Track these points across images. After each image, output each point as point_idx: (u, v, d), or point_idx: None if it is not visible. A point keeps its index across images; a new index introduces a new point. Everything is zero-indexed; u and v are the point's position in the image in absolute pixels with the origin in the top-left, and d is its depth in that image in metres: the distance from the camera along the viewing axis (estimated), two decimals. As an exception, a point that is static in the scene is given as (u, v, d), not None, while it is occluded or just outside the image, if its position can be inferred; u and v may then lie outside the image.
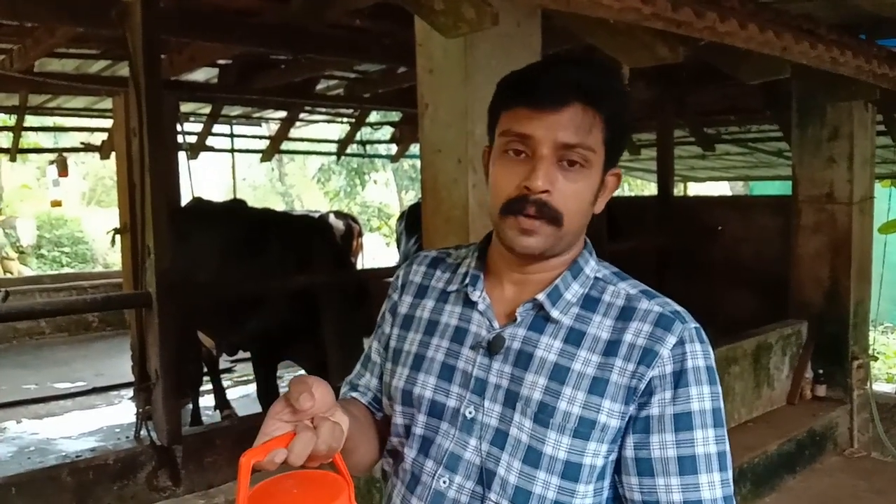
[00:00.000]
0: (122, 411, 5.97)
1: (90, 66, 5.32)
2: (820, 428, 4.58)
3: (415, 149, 9.54)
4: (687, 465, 0.94)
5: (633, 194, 14.26)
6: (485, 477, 0.99)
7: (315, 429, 0.80)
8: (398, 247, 8.52)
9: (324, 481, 0.78)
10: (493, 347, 1.02)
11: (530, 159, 0.97)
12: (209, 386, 5.60)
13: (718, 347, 4.06)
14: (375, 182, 18.21)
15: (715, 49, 2.96)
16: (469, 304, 1.08)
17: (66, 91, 5.79)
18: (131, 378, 5.70)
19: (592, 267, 1.06)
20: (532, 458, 0.97)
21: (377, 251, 14.73)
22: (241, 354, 5.75)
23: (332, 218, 8.53)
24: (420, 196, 2.92)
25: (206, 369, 5.48)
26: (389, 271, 5.22)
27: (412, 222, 7.45)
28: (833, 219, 4.90)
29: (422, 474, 1.04)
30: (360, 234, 9.05)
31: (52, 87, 5.49)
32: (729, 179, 12.18)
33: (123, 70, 5.20)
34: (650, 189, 10.90)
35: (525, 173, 0.97)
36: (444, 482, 1.02)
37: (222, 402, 5.45)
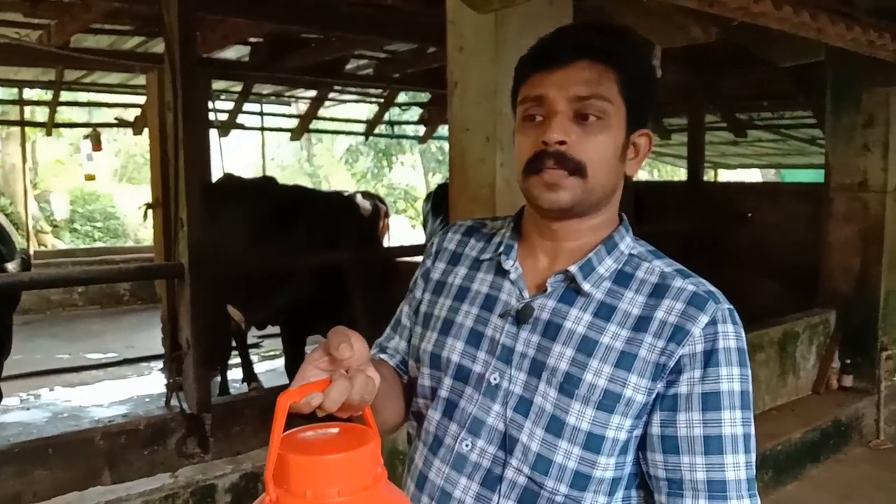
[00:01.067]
0: (152, 382, 6.12)
1: (124, 43, 5.40)
2: (845, 418, 4.54)
3: (442, 130, 9.55)
4: (713, 445, 0.94)
5: (661, 180, 14.14)
6: (507, 443, 1.01)
7: (350, 379, 0.83)
8: (424, 228, 8.55)
9: (354, 431, 0.81)
10: (521, 317, 1.03)
11: (547, 119, 0.99)
12: (237, 360, 5.71)
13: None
14: (402, 164, 18.24)
15: (748, 30, 2.92)
16: (501, 272, 1.08)
17: (100, 67, 5.88)
18: (161, 350, 5.83)
19: (628, 244, 1.06)
20: (555, 427, 0.98)
21: (403, 233, 14.77)
22: (269, 330, 5.84)
23: (359, 198, 8.57)
24: (447, 177, 2.93)
25: (234, 343, 5.58)
26: (417, 249, 5.25)
27: (438, 202, 7.47)
28: (866, 207, 4.82)
29: (445, 437, 1.06)
30: (387, 215, 9.09)
31: (87, 63, 5.58)
32: (760, 167, 12.02)
33: (157, 47, 5.28)
34: (680, 176, 10.78)
35: (542, 132, 0.99)
36: (467, 445, 1.03)
37: (250, 375, 5.56)
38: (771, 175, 13.72)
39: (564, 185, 0.98)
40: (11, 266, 3.45)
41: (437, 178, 16.68)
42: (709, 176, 10.17)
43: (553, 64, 0.99)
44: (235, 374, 5.71)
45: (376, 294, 4.13)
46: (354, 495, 0.73)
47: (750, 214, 6.24)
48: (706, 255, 5.98)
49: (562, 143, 0.97)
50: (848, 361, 4.85)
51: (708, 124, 6.96)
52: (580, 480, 0.98)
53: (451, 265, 1.16)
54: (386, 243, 8.78)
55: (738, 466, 0.94)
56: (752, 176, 14.22)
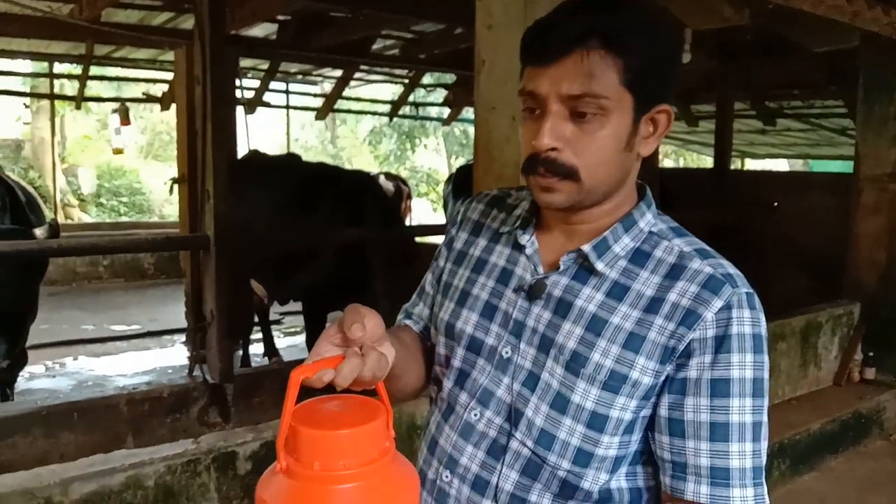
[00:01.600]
0: (174, 354, 6.21)
1: (153, 18, 5.43)
2: (866, 411, 4.50)
3: (466, 113, 9.52)
4: (718, 432, 0.93)
5: (687, 167, 13.98)
6: (513, 416, 1.01)
7: (363, 356, 0.85)
8: (445, 211, 8.57)
9: (365, 404, 0.84)
10: (533, 292, 1.03)
11: (541, 118, 0.95)
12: (259, 335, 5.79)
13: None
14: (426, 147, 18.22)
15: (781, 14, 2.88)
16: (518, 246, 1.08)
17: (130, 42, 5.93)
18: (184, 324, 5.92)
19: (648, 220, 1.03)
20: (559, 404, 0.98)
21: (424, 216, 14.79)
22: (290, 307, 5.90)
23: (382, 179, 8.60)
24: (469, 159, 2.93)
25: (256, 318, 5.65)
26: (438, 228, 5.27)
27: (459, 185, 7.49)
28: (895, 199, 4.76)
29: (456, 405, 1.08)
30: (409, 197, 9.11)
31: (116, 38, 5.62)
32: (789, 157, 11.86)
33: (186, 23, 5.31)
34: (706, 164, 10.64)
35: (535, 132, 0.95)
36: (476, 415, 1.05)
37: (271, 350, 5.63)
38: (799, 166, 13.55)
39: (558, 189, 0.96)
40: (40, 232, 3.52)
41: (460, 162, 16.66)
42: (735, 165, 10.07)
43: (545, 59, 0.93)
44: (257, 349, 5.78)
45: (398, 273, 4.15)
46: (360, 469, 0.76)
47: (776, 204, 6.18)
48: (731, 244, 5.94)
49: (553, 149, 0.94)
50: (871, 354, 4.80)
51: (736, 112, 6.87)
52: (582, 457, 0.98)
53: (473, 235, 1.17)
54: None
55: (743, 455, 0.93)
56: (780, 167, 14.04)
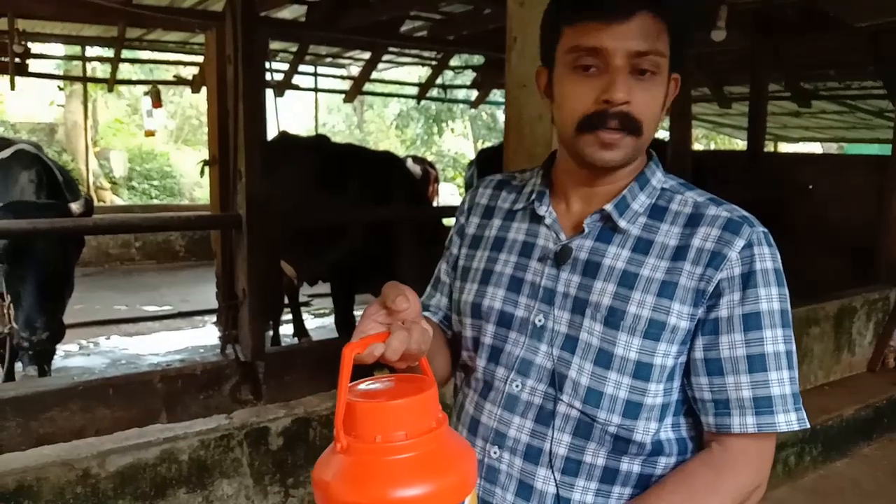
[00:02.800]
0: (206, 334, 6.29)
1: (184, 1, 5.45)
2: (902, 398, 4.42)
3: (494, 96, 9.46)
4: (756, 363, 0.96)
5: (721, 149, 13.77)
6: (556, 380, 1.03)
7: (408, 330, 0.85)
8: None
9: (411, 380, 0.84)
10: (560, 258, 1.05)
11: (604, 73, 0.96)
12: (289, 316, 5.84)
13: (799, 308, 3.95)
14: (453, 131, 18.17)
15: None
16: (536, 219, 1.11)
17: (160, 24, 5.97)
18: (215, 305, 5.99)
19: (659, 178, 1.07)
20: (603, 359, 1.00)
21: (451, 200, 14.77)
22: (319, 289, 5.93)
23: (409, 162, 8.61)
24: (493, 142, 2.89)
25: (286, 299, 5.70)
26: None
27: (482, 167, 7.47)
28: (934, 182, 4.65)
29: (494, 381, 1.09)
30: (437, 180, 9.12)
31: (147, 21, 5.66)
32: (823, 140, 11.65)
33: (215, 5, 5.33)
34: (738, 148, 10.47)
35: (602, 87, 0.96)
36: (517, 386, 1.05)
37: (301, 331, 5.69)
38: (833, 150, 13.30)
39: (620, 145, 0.98)
40: (75, 206, 3.59)
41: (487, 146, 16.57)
42: (768, 149, 9.88)
43: (612, 16, 0.95)
44: (286, 330, 5.83)
45: (427, 253, 4.14)
46: (420, 438, 0.76)
47: (811, 186, 6.06)
48: (765, 226, 5.84)
49: (625, 102, 0.96)
50: (907, 340, 4.71)
51: (770, 93, 6.74)
52: (632, 409, 1.00)
53: (486, 219, 1.19)
54: (435, 208, 8.78)
55: (782, 382, 0.97)
56: (813, 150, 13.79)
